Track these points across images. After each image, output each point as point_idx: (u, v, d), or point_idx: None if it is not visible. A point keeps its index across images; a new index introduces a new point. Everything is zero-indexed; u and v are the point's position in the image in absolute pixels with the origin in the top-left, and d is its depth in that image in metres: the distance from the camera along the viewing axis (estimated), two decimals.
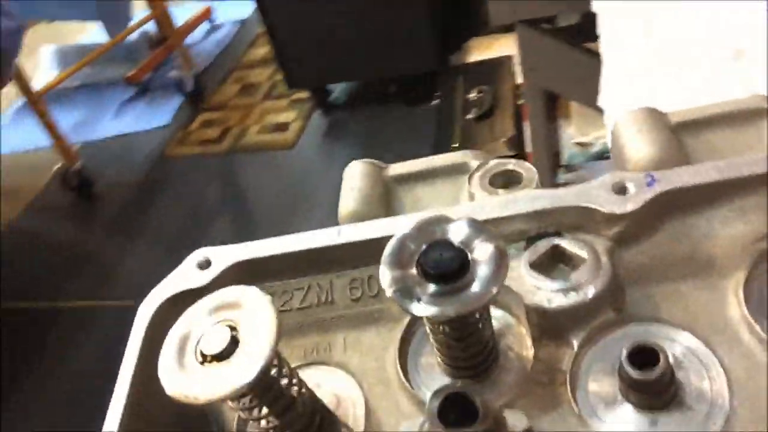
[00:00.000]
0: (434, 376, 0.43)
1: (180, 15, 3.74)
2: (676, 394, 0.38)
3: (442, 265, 0.35)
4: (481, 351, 0.40)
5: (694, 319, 0.40)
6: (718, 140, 0.47)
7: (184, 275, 0.46)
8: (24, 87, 2.77)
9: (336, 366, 0.44)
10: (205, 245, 0.47)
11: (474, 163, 0.49)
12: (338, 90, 3.24)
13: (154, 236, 2.83)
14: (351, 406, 0.42)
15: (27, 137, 3.43)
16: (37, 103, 2.86)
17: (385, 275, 0.35)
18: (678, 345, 0.39)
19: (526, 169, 0.47)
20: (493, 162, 0.48)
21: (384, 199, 0.49)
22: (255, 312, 0.34)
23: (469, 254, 0.35)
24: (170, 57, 3.66)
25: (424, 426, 0.33)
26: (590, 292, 0.40)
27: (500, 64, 2.27)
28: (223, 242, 0.47)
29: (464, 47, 2.60)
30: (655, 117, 0.46)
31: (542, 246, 0.43)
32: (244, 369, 0.33)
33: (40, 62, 3.93)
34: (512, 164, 0.47)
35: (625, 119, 0.46)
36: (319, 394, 0.42)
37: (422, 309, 0.34)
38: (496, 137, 2.11)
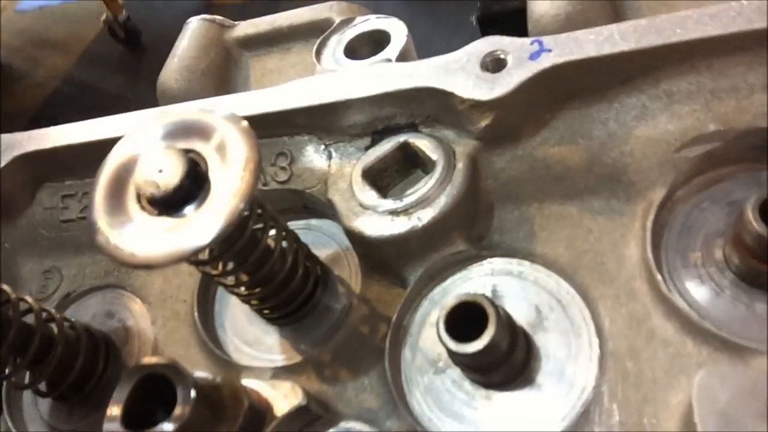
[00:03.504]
0: (247, 319, 0.33)
1: None
2: (527, 365, 0.27)
3: (160, 187, 0.24)
4: (276, 285, 0.29)
5: (577, 257, 0.28)
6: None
7: None
8: None
9: (132, 291, 0.35)
10: None
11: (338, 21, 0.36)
12: None
13: None
14: (139, 344, 0.34)
15: None
16: None
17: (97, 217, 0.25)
18: (545, 294, 0.28)
19: (396, 29, 0.34)
20: (359, 20, 0.35)
21: (220, 73, 0.37)
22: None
23: (200, 162, 0.24)
24: None
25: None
26: (424, 217, 0.28)
27: None
28: None
29: None
30: None
31: (386, 145, 0.31)
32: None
33: None
34: (377, 22, 0.34)
35: None
36: (108, 324, 0.34)
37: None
38: None
